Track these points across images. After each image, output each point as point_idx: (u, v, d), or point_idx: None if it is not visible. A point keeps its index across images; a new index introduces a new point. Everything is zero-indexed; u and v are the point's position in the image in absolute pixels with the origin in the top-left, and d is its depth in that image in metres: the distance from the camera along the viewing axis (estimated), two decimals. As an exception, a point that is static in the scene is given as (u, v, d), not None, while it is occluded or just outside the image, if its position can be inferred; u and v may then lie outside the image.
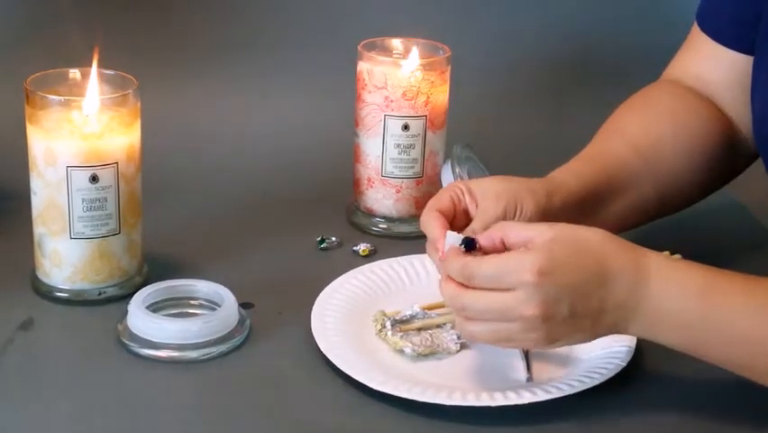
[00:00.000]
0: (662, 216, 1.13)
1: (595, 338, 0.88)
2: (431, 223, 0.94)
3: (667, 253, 0.92)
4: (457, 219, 0.96)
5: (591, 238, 0.86)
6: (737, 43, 1.09)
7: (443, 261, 0.89)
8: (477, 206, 0.96)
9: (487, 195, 0.96)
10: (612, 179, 1.05)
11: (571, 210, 0.99)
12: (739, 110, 1.11)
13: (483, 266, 0.85)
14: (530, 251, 0.84)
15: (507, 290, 0.84)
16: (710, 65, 1.12)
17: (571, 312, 0.84)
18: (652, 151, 1.08)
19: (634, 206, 1.07)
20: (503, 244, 0.88)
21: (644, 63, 1.27)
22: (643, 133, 1.09)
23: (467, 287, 0.86)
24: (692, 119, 1.10)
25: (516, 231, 0.87)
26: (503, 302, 0.84)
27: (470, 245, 0.88)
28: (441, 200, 0.97)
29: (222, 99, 1.50)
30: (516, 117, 1.53)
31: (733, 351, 0.85)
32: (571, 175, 1.03)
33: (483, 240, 0.88)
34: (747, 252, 1.20)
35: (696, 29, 1.13)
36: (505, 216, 0.95)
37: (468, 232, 0.92)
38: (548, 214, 0.97)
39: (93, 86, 1.02)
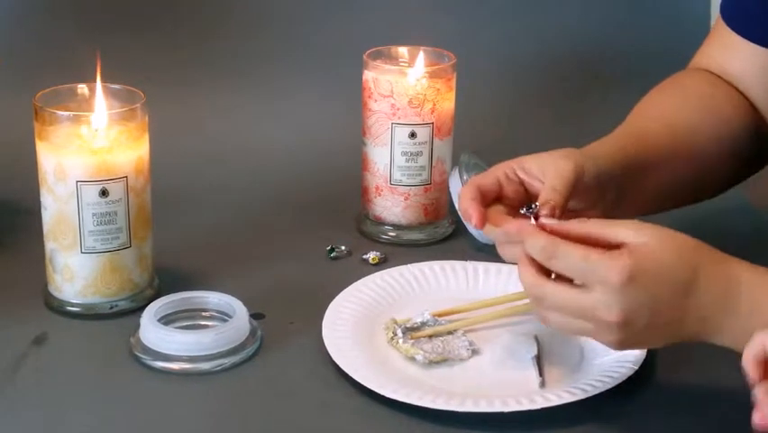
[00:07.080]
0: (690, 203, 1.11)
1: (671, 344, 0.85)
2: (464, 192, 0.94)
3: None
4: (506, 197, 0.95)
5: (685, 243, 0.83)
6: (762, 39, 1.09)
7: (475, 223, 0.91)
8: (540, 178, 0.94)
9: (547, 162, 0.95)
10: (649, 154, 1.03)
11: (612, 180, 0.98)
12: (764, 101, 1.11)
13: (572, 251, 0.82)
14: (623, 253, 0.81)
15: (587, 287, 0.82)
16: (735, 57, 1.12)
17: (651, 322, 0.82)
18: (685, 131, 1.07)
19: (668, 184, 1.05)
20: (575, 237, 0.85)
21: (653, 69, 1.26)
22: (676, 112, 1.08)
23: (546, 274, 0.84)
24: (723, 105, 1.10)
25: (602, 228, 0.84)
26: (582, 302, 0.82)
27: (532, 212, 0.89)
28: (484, 177, 0.96)
29: (228, 110, 1.51)
30: (523, 123, 1.53)
31: None
32: (610, 146, 1.02)
33: (553, 223, 0.86)
34: (755, 253, 1.20)
35: (720, 20, 1.13)
36: (576, 179, 0.93)
37: (544, 201, 0.91)
38: (599, 180, 0.97)
39: (100, 101, 1.02)
